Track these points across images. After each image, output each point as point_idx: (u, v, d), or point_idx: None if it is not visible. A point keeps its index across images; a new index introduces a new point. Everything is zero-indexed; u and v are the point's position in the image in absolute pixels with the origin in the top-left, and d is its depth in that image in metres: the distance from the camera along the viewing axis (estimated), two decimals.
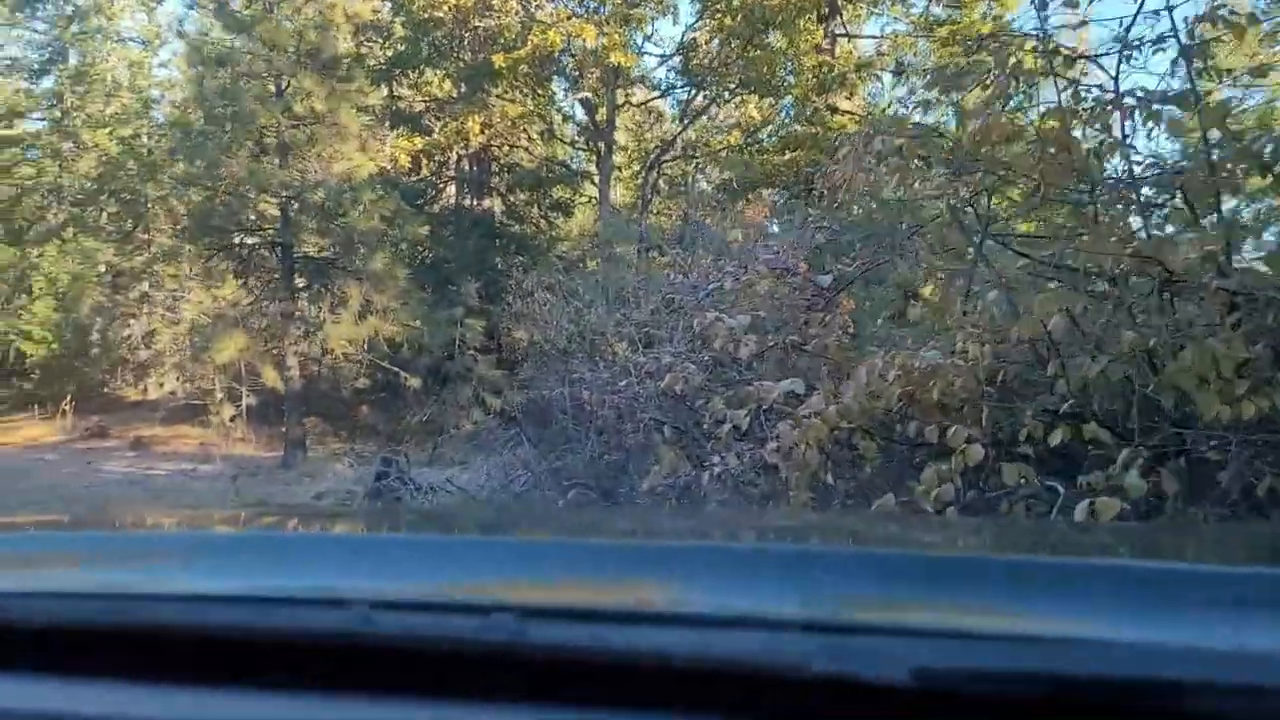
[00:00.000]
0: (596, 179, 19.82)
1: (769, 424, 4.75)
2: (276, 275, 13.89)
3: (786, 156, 20.79)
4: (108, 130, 27.81)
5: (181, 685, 0.71)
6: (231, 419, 18.15)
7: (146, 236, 27.29)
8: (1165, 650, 0.60)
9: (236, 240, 13.56)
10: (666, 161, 20.65)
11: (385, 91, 18.87)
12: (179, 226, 12.99)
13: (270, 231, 13.73)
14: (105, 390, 25.17)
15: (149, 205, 22.94)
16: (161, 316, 26.49)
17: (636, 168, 24.20)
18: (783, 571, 0.77)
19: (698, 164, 21.65)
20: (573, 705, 0.65)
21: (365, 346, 13.95)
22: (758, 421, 5.01)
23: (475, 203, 20.50)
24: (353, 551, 0.94)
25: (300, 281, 13.87)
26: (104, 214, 28.86)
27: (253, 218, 13.01)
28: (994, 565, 0.85)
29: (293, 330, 13.51)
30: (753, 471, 5.09)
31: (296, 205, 13.33)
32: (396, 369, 14.66)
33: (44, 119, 28.51)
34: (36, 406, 22.40)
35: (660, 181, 21.09)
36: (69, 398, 22.17)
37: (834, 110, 21.36)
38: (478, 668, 0.67)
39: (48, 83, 28.31)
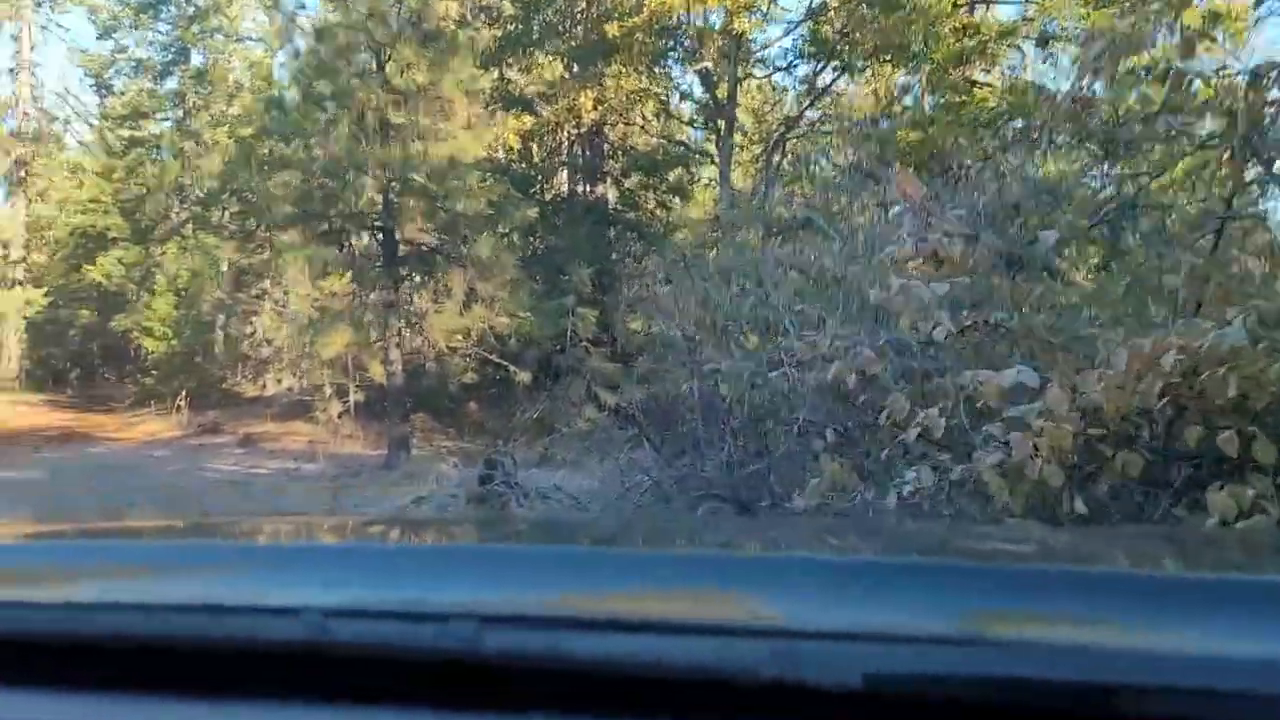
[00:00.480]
0: (715, 159, 18.49)
1: (976, 426, 3.65)
2: (378, 264, 13.04)
3: (922, 134, 19.11)
4: (226, 129, 27.99)
5: (130, 695, 0.71)
6: (339, 415, 17.55)
7: (267, 234, 27.41)
8: (1122, 654, 0.60)
9: (335, 227, 12.73)
10: (791, 139, 19.16)
11: (495, 74, 17.99)
12: (276, 213, 12.23)
13: (371, 217, 12.89)
14: (224, 386, 25.21)
15: (268, 203, 22.77)
16: (278, 312, 26.53)
17: (756, 149, 22.80)
18: (738, 578, 0.76)
19: (825, 144, 20.08)
20: (529, 714, 0.64)
21: (472, 339, 12.98)
22: (955, 424, 3.82)
23: (587, 189, 19.47)
24: (311, 559, 0.93)
25: (402, 271, 12.98)
26: (225, 213, 29.17)
27: (352, 200, 12.20)
28: (952, 570, 0.82)
29: (394, 322, 12.63)
30: (949, 491, 3.80)
31: (398, 188, 12.45)
32: (505, 363, 13.66)
33: (167, 119, 28.96)
34: (154, 402, 22.47)
35: (784, 163, 19.62)
36: (185, 393, 22.13)
37: (973, 84, 19.62)
38: (434, 676, 0.66)
39: (171, 83, 28.73)
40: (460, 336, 12.73)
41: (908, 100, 20.05)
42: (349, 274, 13.77)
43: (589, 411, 13.03)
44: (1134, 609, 0.67)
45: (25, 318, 26.64)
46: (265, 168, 13.07)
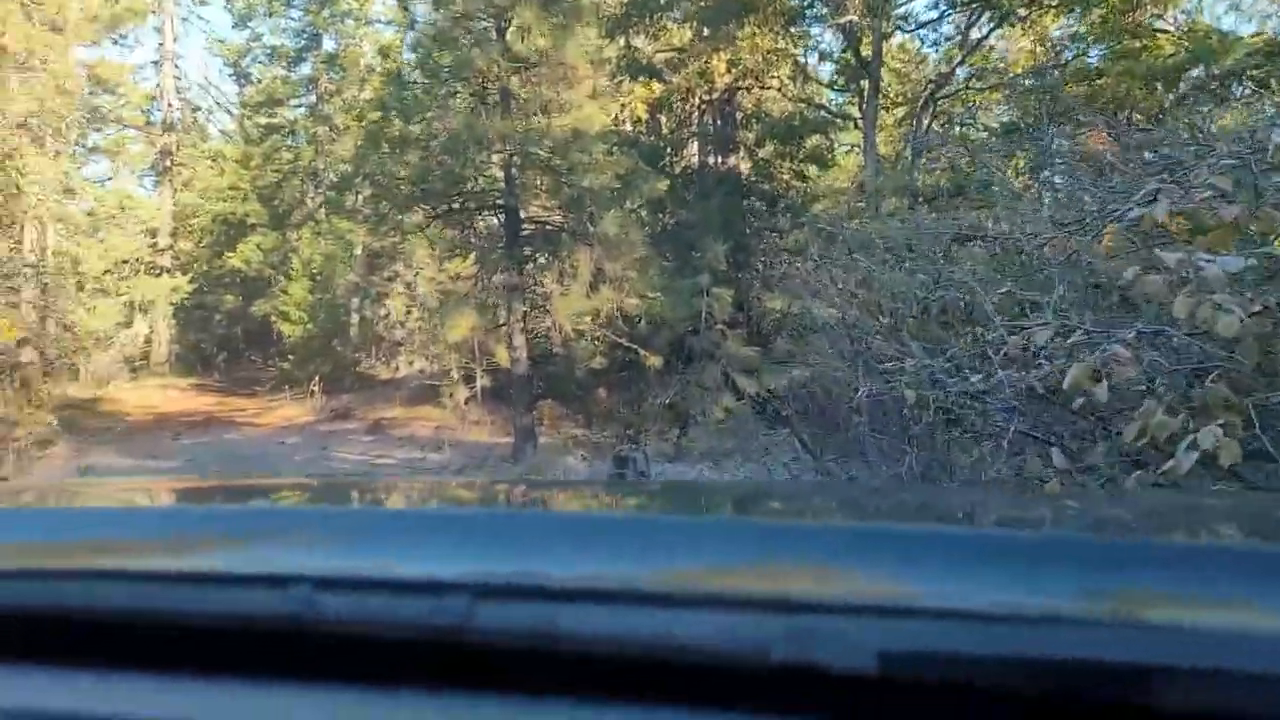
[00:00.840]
0: (859, 123, 17.08)
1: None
2: (500, 245, 12.34)
3: (1089, 87, 17.23)
4: (356, 114, 28.11)
5: (106, 671, 0.67)
6: (466, 402, 17.13)
7: (399, 217, 27.48)
8: (1160, 633, 0.57)
9: (457, 206, 12.07)
10: (941, 99, 17.53)
11: (620, 43, 17.05)
12: (399, 193, 11.65)
13: (493, 195, 12.19)
14: (357, 369, 25.38)
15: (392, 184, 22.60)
16: (408, 295, 26.53)
17: (899, 113, 21.18)
18: (746, 548, 0.73)
19: (979, 101, 18.39)
20: (524, 690, 0.62)
21: (599, 321, 12.15)
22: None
23: (719, 160, 18.36)
24: (300, 526, 0.86)
25: (526, 251, 12.23)
26: (358, 197, 29.42)
27: (473, 177, 11.51)
28: (972, 540, 0.78)
29: (518, 305, 11.92)
30: None
31: (519, 163, 11.70)
32: (634, 346, 12.79)
33: (301, 105, 29.33)
34: (291, 386, 22.70)
35: (933, 125, 18.01)
36: (318, 378, 22.25)
37: (1148, 31, 17.66)
38: (427, 652, 0.64)
39: (304, 69, 29.03)
40: (588, 319, 11.91)
41: (1073, 51, 18.17)
42: (473, 255, 13.14)
43: (726, 400, 12.08)
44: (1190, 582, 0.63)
45: (172, 304, 27.47)
46: (391, 149, 12.50)
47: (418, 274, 22.65)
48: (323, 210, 28.08)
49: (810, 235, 8.74)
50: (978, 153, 16.00)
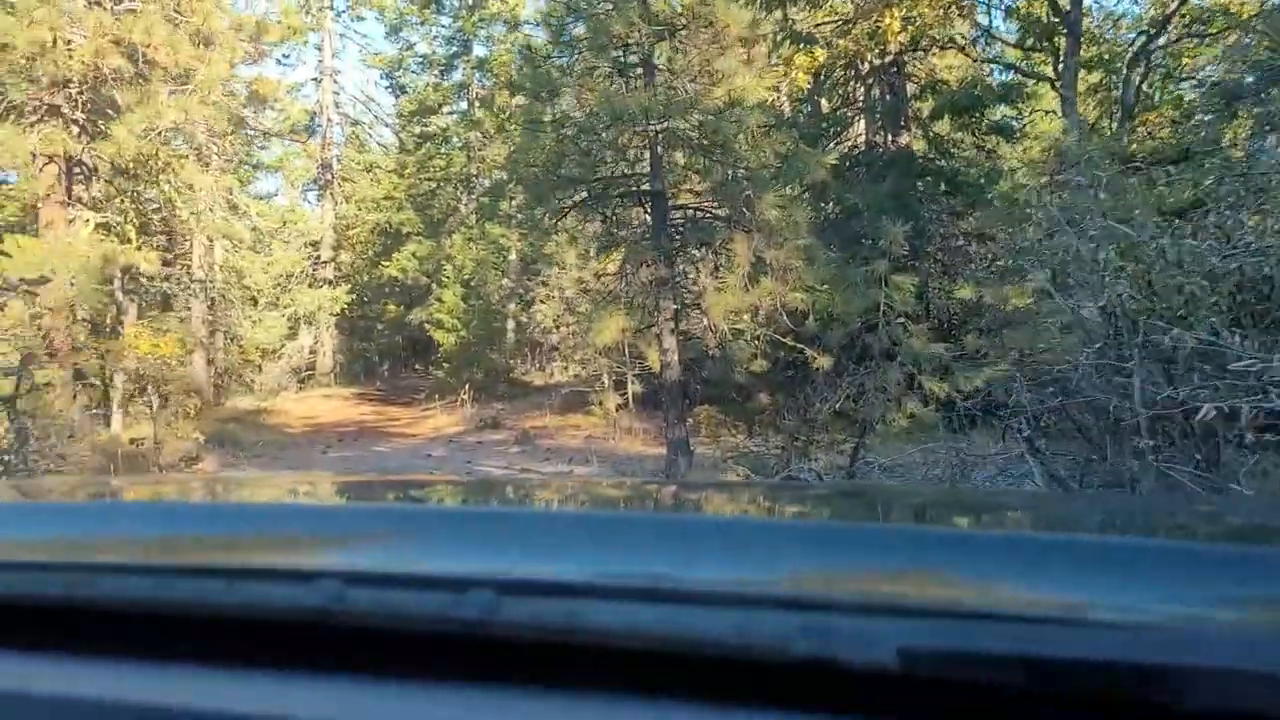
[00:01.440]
0: (1057, 84, 14.82)
1: None
2: (646, 236, 11.00)
3: None
4: (507, 116, 27.63)
5: (142, 662, 0.68)
6: (617, 409, 15.93)
7: (536, 210, 26.78)
8: (1172, 634, 0.57)
9: (596, 192, 10.80)
10: (1155, 51, 15.04)
11: (779, 15, 15.46)
12: (534, 181, 10.50)
13: (637, 179, 10.86)
14: (511, 377, 24.75)
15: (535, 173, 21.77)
16: (555, 298, 25.73)
17: (1094, 78, 18.64)
18: (768, 546, 0.74)
19: (1194, 55, 15.75)
20: (546, 685, 0.62)
21: (759, 319, 10.63)
22: None
23: (888, 139, 16.48)
24: (327, 522, 0.90)
25: (675, 241, 10.83)
26: (512, 202, 28.98)
27: (613, 159, 10.24)
28: (991, 541, 0.79)
29: (667, 303, 10.54)
30: None
31: (665, 141, 10.34)
32: (799, 345, 11.19)
33: (453, 112, 29.12)
34: (441, 396, 22.20)
35: (1143, 84, 15.52)
36: (469, 387, 21.65)
37: None
38: (452, 646, 0.65)
39: (456, 76, 28.81)
40: (745, 316, 10.41)
41: None
42: (622, 250, 11.87)
43: (911, 405, 10.34)
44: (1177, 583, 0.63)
45: (334, 315, 27.70)
46: (527, 134, 11.37)
47: (564, 273, 21.78)
48: (475, 216, 27.73)
49: (999, 214, 6.93)
50: (1213, 104, 13.52)
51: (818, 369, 11.06)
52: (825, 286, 9.69)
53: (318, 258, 28.77)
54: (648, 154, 10.39)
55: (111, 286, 20.07)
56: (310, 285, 28.24)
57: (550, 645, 0.62)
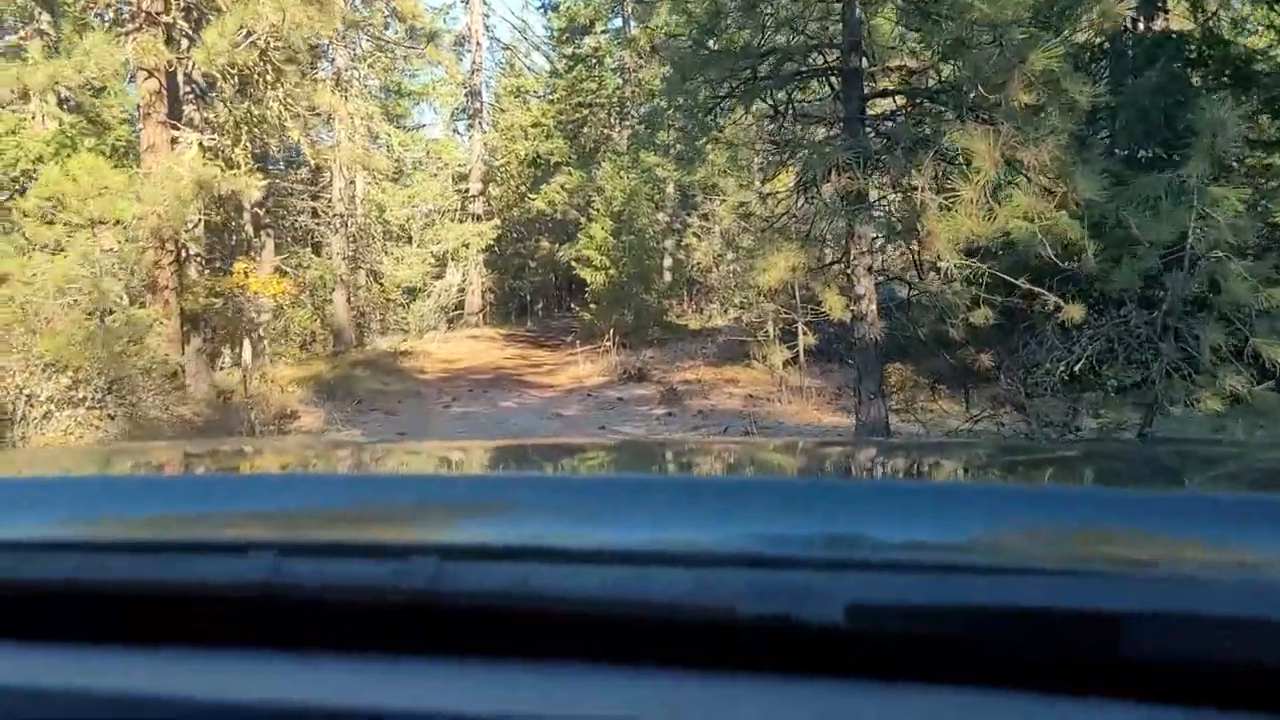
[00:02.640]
0: None
1: None
2: (833, 133, 7.77)
3: None
4: (666, 32, 24.53)
5: (66, 644, 0.64)
6: (785, 365, 12.88)
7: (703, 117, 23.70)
8: (1130, 581, 0.56)
9: (761, 73, 7.58)
10: None
11: None
12: (682, 59, 7.47)
13: (822, 48, 7.59)
14: (665, 320, 21.99)
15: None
16: (720, 233, 22.64)
17: None
18: (716, 505, 0.72)
19: None
20: (495, 654, 0.60)
21: (995, 249, 7.34)
22: None
23: (1144, 22, 12.49)
24: (264, 491, 0.86)
25: (874, 140, 7.55)
26: (670, 129, 26.00)
27: (788, 24, 7.05)
28: (947, 491, 0.79)
29: (864, 228, 7.37)
30: None
31: (868, 7, 7.11)
32: (1038, 289, 7.82)
33: (604, 31, 26.23)
34: (585, 340, 19.68)
35: None
36: (615, 331, 19.00)
37: None
38: (398, 616, 0.62)
39: None
40: (978, 243, 7.13)
41: None
42: (799, 159, 8.70)
43: (1230, 376, 6.85)
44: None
45: (480, 251, 25.67)
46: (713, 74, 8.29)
47: (723, 200, 18.72)
48: (628, 145, 24.91)
49: None
50: None
51: (1064, 321, 7.70)
52: (1111, 203, 6.28)
53: (465, 191, 26.72)
54: (840, 12, 7.14)
55: (242, 219, 18.52)
56: (458, 220, 26.27)
57: (498, 612, 0.60)
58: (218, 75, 12.60)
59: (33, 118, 12.55)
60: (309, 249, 21.66)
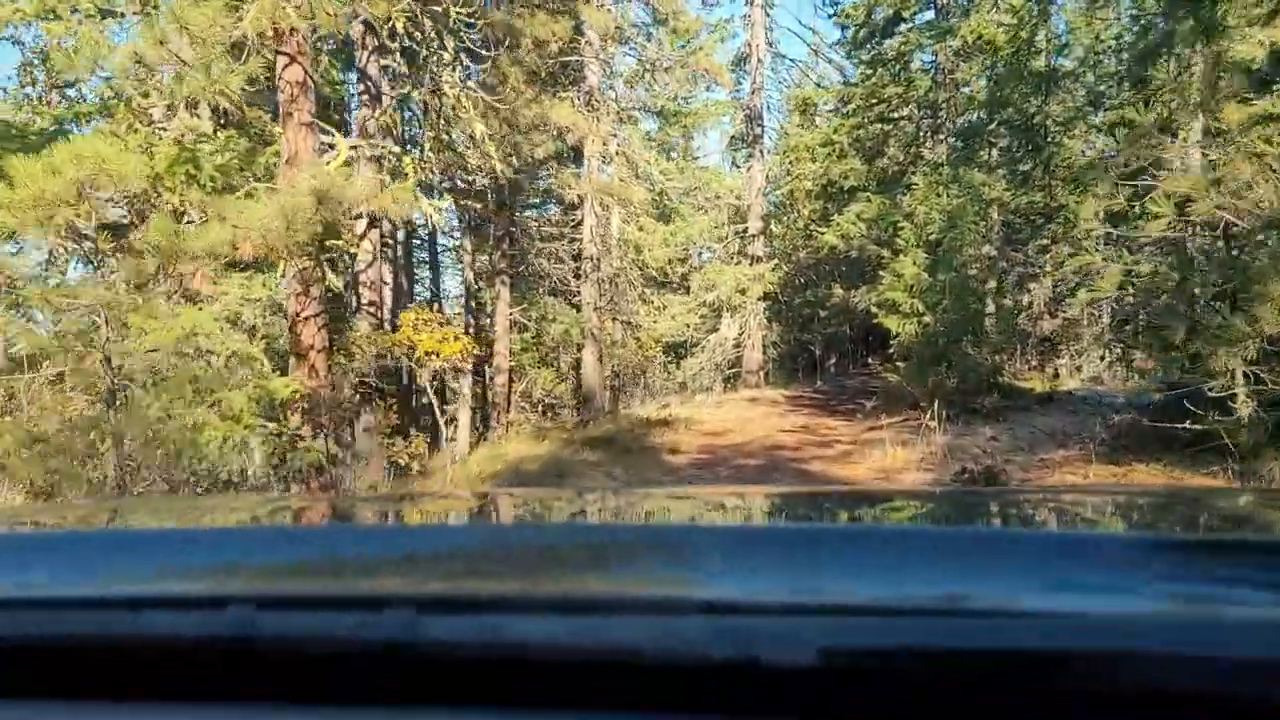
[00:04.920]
0: None
1: None
2: None
3: None
4: (995, 24, 19.20)
5: (37, 701, 0.63)
6: (1190, 450, 6.93)
7: (1053, 180, 17.73)
8: (1094, 621, 0.56)
9: None
10: None
11: None
12: None
13: None
14: (1000, 379, 16.09)
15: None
16: (1061, 268, 16.37)
17: None
18: (684, 553, 0.72)
19: None
20: (473, 704, 0.60)
21: None
22: None
23: None
24: (238, 545, 0.83)
25: None
26: (992, 149, 20.25)
27: None
28: (910, 535, 0.79)
29: None
30: None
31: None
32: None
33: (911, 28, 20.98)
34: (881, 412, 14.29)
35: None
36: (937, 396, 13.46)
37: None
38: (371, 667, 0.61)
39: None
40: None
41: None
42: None
43: None
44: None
45: (759, 299, 21.13)
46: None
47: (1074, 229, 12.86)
48: (945, 160, 19.41)
49: None
50: None
51: None
52: None
53: (743, 230, 22.41)
54: None
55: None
56: (734, 262, 21.98)
57: (472, 662, 0.60)
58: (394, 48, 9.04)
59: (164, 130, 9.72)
60: (555, 297, 18.14)
